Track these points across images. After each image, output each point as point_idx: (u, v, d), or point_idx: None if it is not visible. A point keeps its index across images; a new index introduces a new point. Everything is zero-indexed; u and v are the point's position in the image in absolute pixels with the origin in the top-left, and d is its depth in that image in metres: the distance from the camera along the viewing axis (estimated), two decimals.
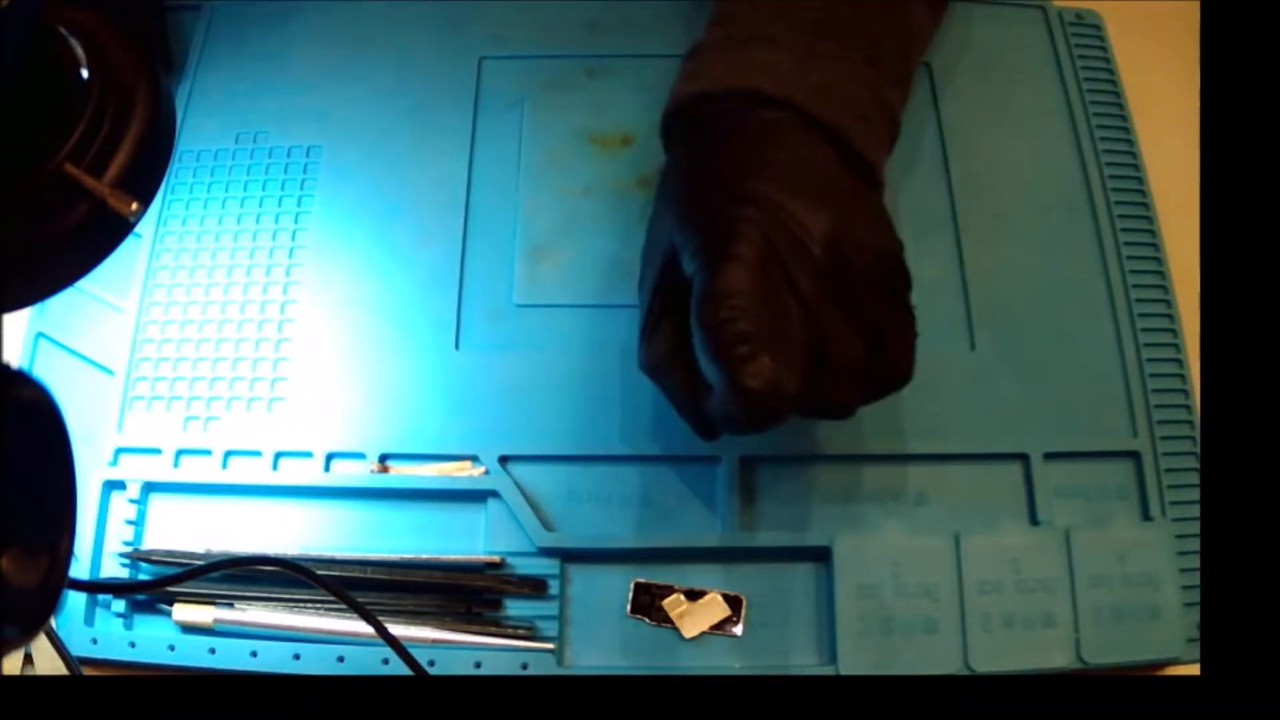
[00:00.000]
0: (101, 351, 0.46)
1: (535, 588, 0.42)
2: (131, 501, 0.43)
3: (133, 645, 0.41)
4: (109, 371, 0.46)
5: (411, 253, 0.48)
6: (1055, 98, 0.52)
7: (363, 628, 0.39)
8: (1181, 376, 0.46)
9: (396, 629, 0.40)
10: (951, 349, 0.46)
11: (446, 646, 0.41)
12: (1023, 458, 0.44)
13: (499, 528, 0.43)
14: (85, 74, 0.29)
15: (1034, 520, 0.43)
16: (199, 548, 0.43)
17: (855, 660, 0.41)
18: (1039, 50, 0.53)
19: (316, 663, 0.41)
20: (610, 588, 0.42)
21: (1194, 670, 0.42)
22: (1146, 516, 0.43)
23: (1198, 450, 0.45)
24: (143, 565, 0.43)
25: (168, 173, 0.33)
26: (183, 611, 0.41)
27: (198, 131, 0.50)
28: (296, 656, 0.41)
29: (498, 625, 0.41)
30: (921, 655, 0.41)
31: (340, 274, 0.47)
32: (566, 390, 0.45)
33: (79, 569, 0.42)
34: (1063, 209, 0.49)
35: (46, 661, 0.40)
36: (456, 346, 0.46)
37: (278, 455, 0.44)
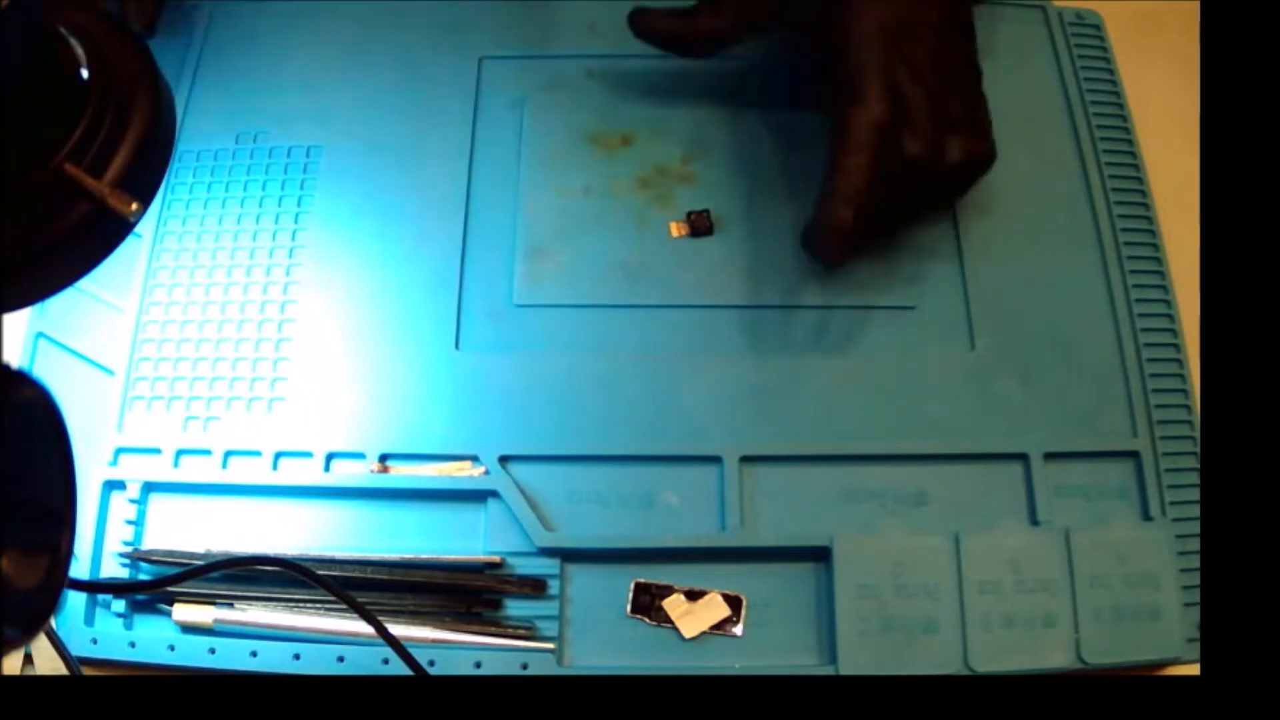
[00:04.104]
0: (101, 351, 0.46)
1: (535, 588, 0.42)
2: (131, 501, 0.43)
3: (133, 645, 0.41)
4: (109, 371, 0.46)
5: (411, 253, 0.48)
6: (1055, 98, 0.52)
7: (363, 628, 0.39)
8: (1181, 376, 0.46)
9: (396, 629, 0.40)
10: (951, 349, 0.46)
11: (446, 646, 0.41)
12: (1023, 458, 0.44)
13: (499, 528, 0.43)
14: (85, 74, 0.29)
15: (1034, 520, 0.43)
16: (199, 548, 0.43)
17: (855, 660, 0.41)
18: (1039, 50, 0.53)
19: (316, 663, 0.41)
20: (610, 588, 0.42)
21: (1194, 670, 0.42)
22: (1146, 516, 0.44)
23: (1198, 450, 0.45)
24: (143, 565, 0.43)
25: (168, 173, 0.33)
26: (183, 611, 0.41)
27: (198, 131, 0.50)
28: (296, 656, 0.41)
29: (498, 625, 0.41)
30: (921, 655, 0.41)
31: (340, 274, 0.47)
32: (566, 390, 0.45)
33: (79, 569, 0.42)
34: (1063, 209, 0.49)
35: (46, 661, 0.40)
36: (456, 346, 0.46)
37: (278, 455, 0.44)
